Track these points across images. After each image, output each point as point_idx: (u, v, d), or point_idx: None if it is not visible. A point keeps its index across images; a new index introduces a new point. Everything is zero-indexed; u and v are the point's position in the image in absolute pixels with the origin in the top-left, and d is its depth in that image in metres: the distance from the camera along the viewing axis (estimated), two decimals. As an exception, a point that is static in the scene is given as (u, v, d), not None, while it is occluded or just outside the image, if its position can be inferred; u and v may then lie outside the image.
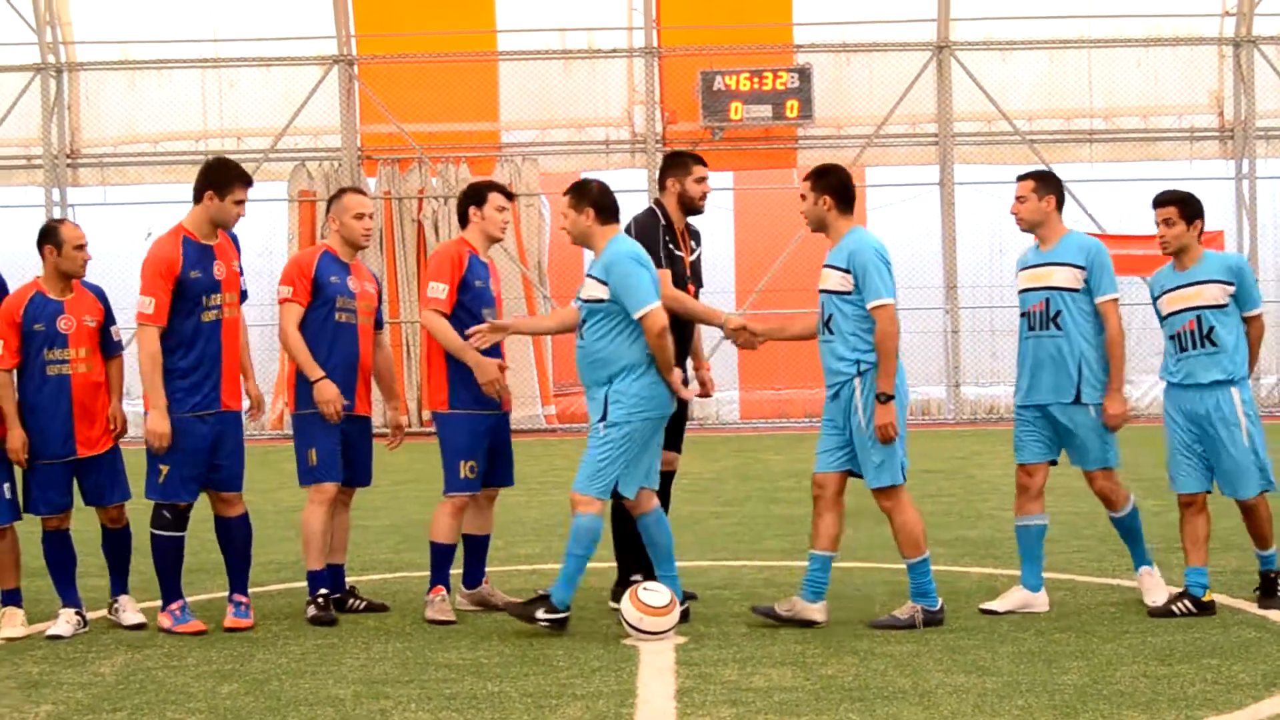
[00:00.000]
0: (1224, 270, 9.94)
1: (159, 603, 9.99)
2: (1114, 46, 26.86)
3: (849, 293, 9.65)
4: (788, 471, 19.21)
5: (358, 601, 10.52)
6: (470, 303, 10.17)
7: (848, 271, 9.66)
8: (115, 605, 10.16)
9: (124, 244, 22.06)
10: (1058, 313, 10.01)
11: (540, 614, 9.51)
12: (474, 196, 10.41)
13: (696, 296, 10.48)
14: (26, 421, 9.96)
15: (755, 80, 26.07)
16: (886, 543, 12.88)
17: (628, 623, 9.33)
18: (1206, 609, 9.70)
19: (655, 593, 9.41)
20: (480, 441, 10.18)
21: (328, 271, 10.25)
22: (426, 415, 25.33)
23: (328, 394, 10.03)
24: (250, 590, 10.19)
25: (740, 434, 25.68)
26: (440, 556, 10.14)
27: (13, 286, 10.28)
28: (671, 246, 10.34)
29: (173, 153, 27.05)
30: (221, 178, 9.98)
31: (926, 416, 26.88)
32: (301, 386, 10.21)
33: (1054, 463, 10.38)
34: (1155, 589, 10.12)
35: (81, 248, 10.09)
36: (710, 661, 8.70)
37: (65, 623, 9.93)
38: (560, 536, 13.08)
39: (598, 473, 9.51)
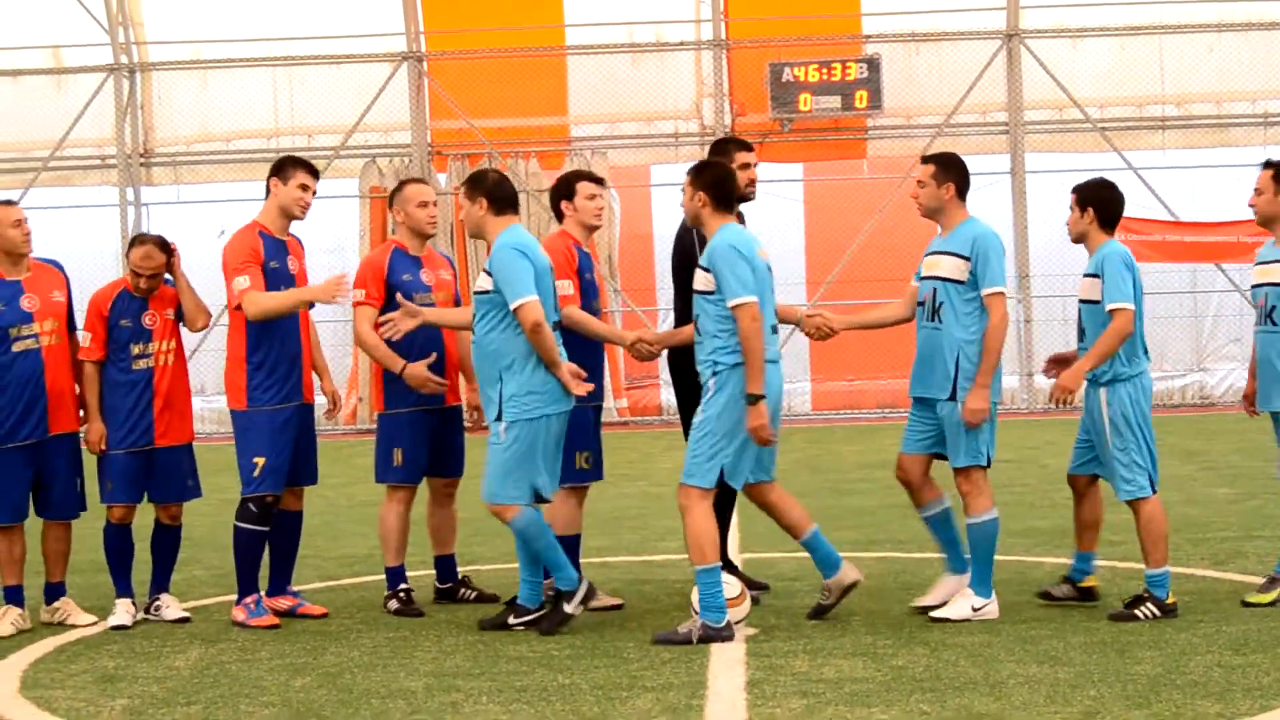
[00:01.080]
0: None
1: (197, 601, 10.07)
2: (1186, 32, 26.61)
3: (964, 281, 9.56)
4: (859, 463, 19.17)
5: (469, 592, 10.58)
6: (582, 294, 10.18)
7: (967, 259, 9.57)
8: (155, 603, 10.24)
9: (197, 241, 22.20)
10: (940, 304, 9.69)
11: (562, 612, 9.46)
12: (563, 190, 10.36)
13: None
14: (106, 413, 10.09)
15: (824, 71, 25.97)
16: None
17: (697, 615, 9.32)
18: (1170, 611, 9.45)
19: (726, 585, 9.40)
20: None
21: (400, 270, 10.29)
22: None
23: (419, 375, 10.02)
24: (325, 584, 10.25)
25: (812, 425, 25.62)
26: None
27: (92, 284, 10.43)
28: None
29: (244, 151, 27.18)
30: (284, 164, 10.19)
31: (1000, 405, 26.67)
32: (389, 387, 10.25)
33: (940, 456, 10.00)
34: (941, 593, 9.90)
35: (19, 223, 10.18)
36: (780, 653, 8.70)
37: (125, 612, 10.06)
38: (631, 529, 13.11)
39: (506, 477, 9.37)
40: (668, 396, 26.18)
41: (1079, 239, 10.00)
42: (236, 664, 8.87)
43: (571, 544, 10.12)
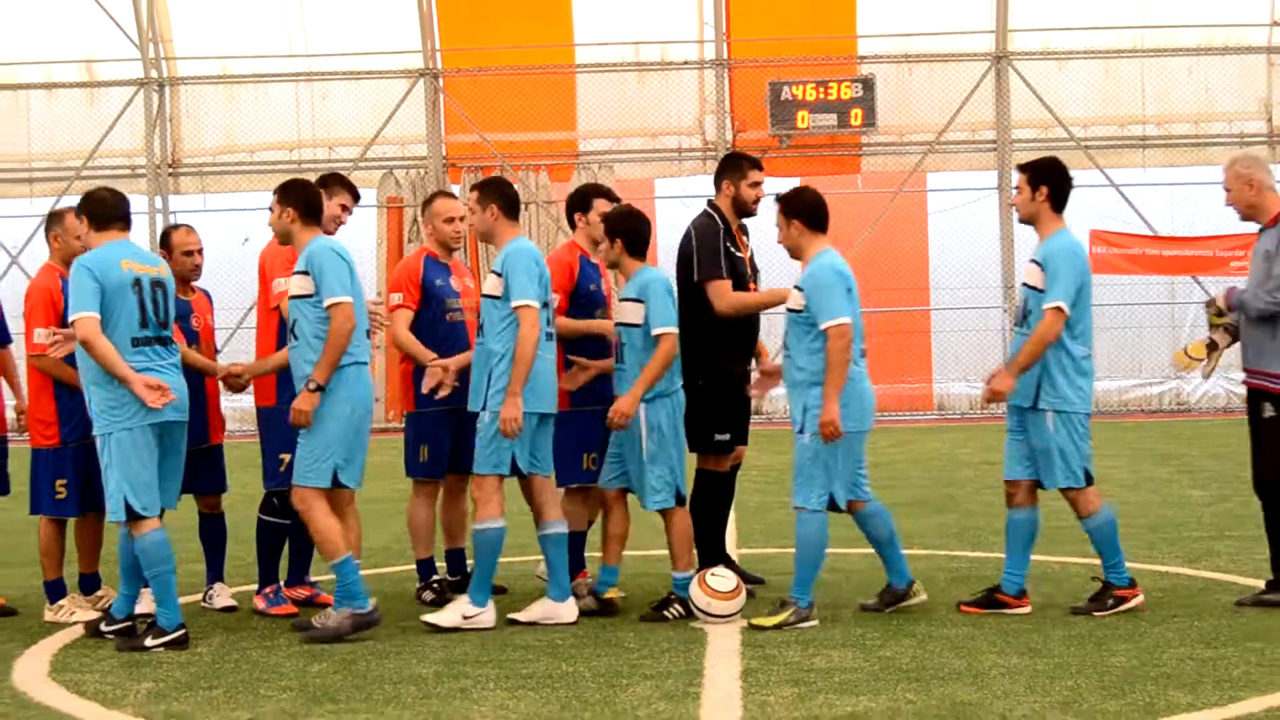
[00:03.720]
0: None
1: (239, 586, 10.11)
2: (1166, 55, 26.61)
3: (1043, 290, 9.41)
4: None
5: None
6: (584, 306, 10.18)
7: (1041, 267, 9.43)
8: (210, 591, 10.28)
9: (223, 249, 22.23)
10: (1029, 311, 9.49)
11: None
12: (579, 203, 10.37)
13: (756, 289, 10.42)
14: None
15: (821, 90, 26.00)
16: (944, 530, 12.90)
17: (696, 606, 9.35)
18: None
19: (722, 578, 9.44)
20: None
21: (433, 275, 10.34)
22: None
23: (445, 368, 10.00)
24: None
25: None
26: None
27: None
28: (731, 248, 10.28)
29: (268, 162, 27.18)
30: (331, 180, 10.33)
31: (986, 411, 26.71)
32: (418, 389, 10.27)
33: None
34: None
35: (191, 254, 10.32)
36: (774, 643, 8.72)
37: (148, 601, 10.11)
38: (640, 525, 13.10)
39: (314, 466, 9.21)
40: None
41: (1029, 220, 9.67)
42: (256, 650, 8.89)
43: (577, 540, 10.16)
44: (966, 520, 13.55)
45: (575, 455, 9.99)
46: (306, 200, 9.50)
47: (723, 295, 10.02)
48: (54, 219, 10.24)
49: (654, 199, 27.11)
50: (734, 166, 10.48)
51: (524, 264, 9.32)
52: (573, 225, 10.38)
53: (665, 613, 9.49)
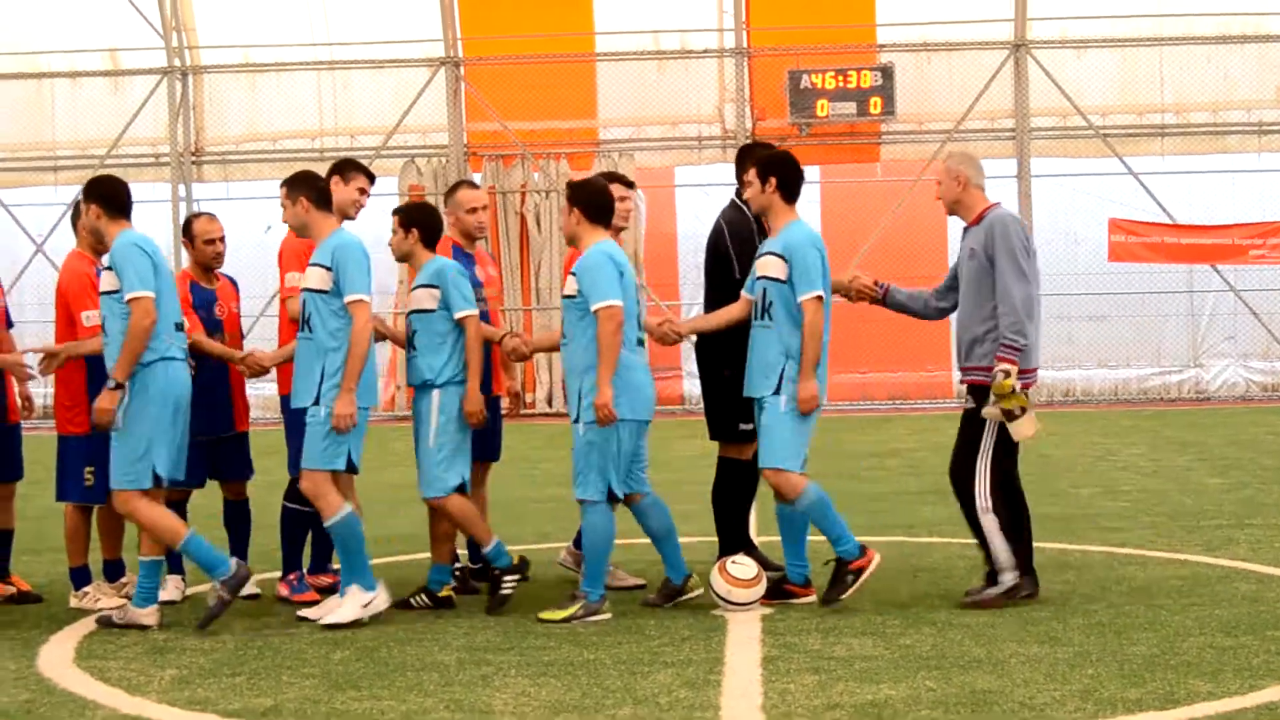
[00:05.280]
0: None
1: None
2: (1185, 44, 26.47)
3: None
4: (871, 452, 19.15)
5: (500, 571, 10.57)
6: None
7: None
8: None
9: (246, 236, 22.23)
10: (770, 303, 9.43)
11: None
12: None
13: None
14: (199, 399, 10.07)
15: (840, 78, 25.92)
16: (962, 518, 12.85)
17: (716, 594, 9.33)
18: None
19: (743, 566, 9.42)
20: None
21: (460, 265, 10.31)
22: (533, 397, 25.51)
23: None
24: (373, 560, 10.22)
25: (825, 415, 25.54)
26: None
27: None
28: (755, 238, 10.22)
29: (291, 150, 27.16)
30: (346, 165, 10.29)
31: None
32: None
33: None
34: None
35: (213, 242, 10.32)
36: (795, 631, 8.70)
37: (175, 588, 10.14)
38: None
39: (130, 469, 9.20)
40: (690, 387, 26.19)
41: (761, 211, 9.69)
42: (279, 637, 8.90)
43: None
44: (986, 508, 13.46)
45: None
46: (317, 187, 9.54)
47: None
48: (80, 208, 10.22)
49: (674, 187, 27.12)
50: (749, 154, 10.40)
51: (356, 257, 9.28)
52: None
53: (412, 600, 9.57)
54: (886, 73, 25.94)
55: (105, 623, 9.27)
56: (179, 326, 9.30)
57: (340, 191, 10.06)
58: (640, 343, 9.44)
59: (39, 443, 11.39)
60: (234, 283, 10.69)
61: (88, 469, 9.85)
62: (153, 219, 26.24)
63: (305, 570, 10.18)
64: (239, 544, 10.35)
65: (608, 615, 9.19)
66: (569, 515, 10.57)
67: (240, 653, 8.51)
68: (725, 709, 7.16)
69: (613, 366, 9.13)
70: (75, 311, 9.84)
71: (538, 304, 26.38)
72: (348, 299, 9.21)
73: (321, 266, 9.28)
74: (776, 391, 9.38)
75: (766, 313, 9.44)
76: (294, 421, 9.92)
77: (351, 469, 9.35)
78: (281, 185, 9.66)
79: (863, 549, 9.40)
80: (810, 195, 25.77)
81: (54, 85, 27.59)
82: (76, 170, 26.94)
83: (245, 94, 27.54)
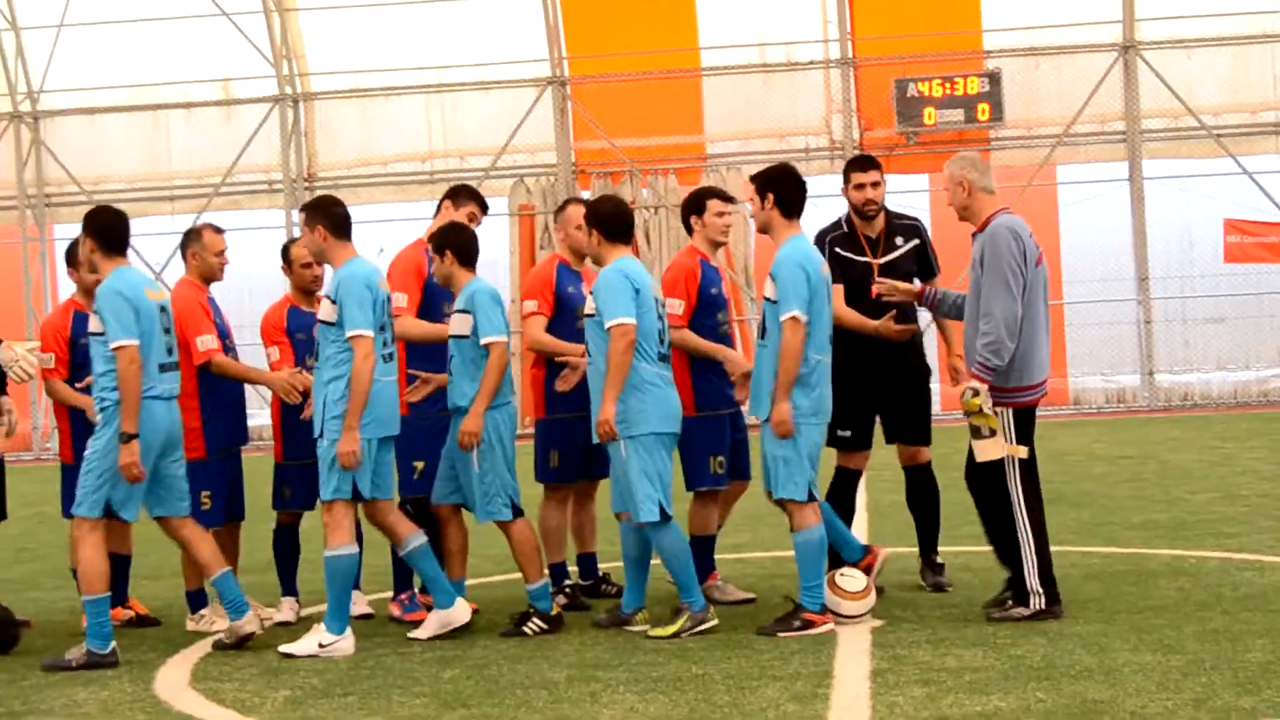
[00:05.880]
0: None
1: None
2: (1297, 40, 26.14)
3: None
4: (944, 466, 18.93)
5: (610, 588, 10.60)
6: (707, 308, 10.09)
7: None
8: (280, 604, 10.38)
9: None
10: (767, 324, 9.31)
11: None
12: (694, 206, 10.26)
13: (918, 287, 10.12)
14: (284, 426, 10.18)
15: (947, 86, 25.78)
16: (1079, 526, 12.71)
17: (825, 607, 9.28)
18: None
19: (852, 578, 9.36)
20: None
21: (565, 282, 10.36)
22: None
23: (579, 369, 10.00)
24: (475, 580, 10.30)
25: (940, 425, 25.39)
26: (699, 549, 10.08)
27: (264, 302, 10.58)
28: (843, 251, 10.21)
29: (402, 174, 27.48)
30: (461, 191, 10.40)
31: (1122, 404, 26.42)
32: (549, 394, 10.29)
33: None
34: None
35: (309, 265, 10.33)
36: (904, 643, 8.64)
37: (289, 610, 10.22)
38: (768, 525, 13.07)
39: (88, 497, 9.13)
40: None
41: (763, 229, 9.51)
42: (391, 656, 8.96)
43: (706, 544, 10.13)
44: (1101, 516, 13.33)
45: (703, 459, 9.96)
46: (333, 214, 9.44)
47: (835, 298, 9.79)
48: (191, 236, 10.36)
49: (783, 200, 27.05)
50: (844, 172, 10.51)
51: (357, 291, 9.17)
52: (689, 230, 10.32)
53: (524, 628, 9.39)
54: (994, 79, 25.78)
55: (220, 646, 9.38)
56: (162, 368, 9.26)
57: (450, 218, 10.13)
58: (664, 358, 9.35)
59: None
60: None
61: (205, 493, 9.95)
62: (268, 245, 26.56)
63: (417, 589, 10.23)
64: (286, 571, 10.43)
65: (714, 621, 9.17)
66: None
67: (352, 673, 8.58)
68: (833, 722, 7.13)
69: (618, 385, 9.07)
70: (190, 338, 9.95)
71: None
72: (347, 334, 9.14)
73: (328, 299, 9.29)
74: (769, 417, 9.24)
75: (764, 334, 9.33)
76: (403, 442, 9.95)
77: (358, 497, 9.29)
78: (300, 210, 9.69)
79: (824, 608, 9.18)
80: (920, 204, 25.63)
81: (168, 116, 28.05)
82: (192, 199, 27.42)
83: (356, 119, 27.85)
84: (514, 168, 27.32)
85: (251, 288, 24.87)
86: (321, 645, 9.09)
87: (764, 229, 9.55)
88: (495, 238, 26.59)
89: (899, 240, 10.45)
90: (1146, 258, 26.01)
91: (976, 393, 9.02)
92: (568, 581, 10.38)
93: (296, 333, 10.29)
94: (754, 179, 9.52)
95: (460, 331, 9.48)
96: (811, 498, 9.24)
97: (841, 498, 10.30)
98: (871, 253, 10.34)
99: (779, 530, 12.59)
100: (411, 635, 9.42)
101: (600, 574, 10.73)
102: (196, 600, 10.20)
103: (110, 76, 27.77)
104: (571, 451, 10.30)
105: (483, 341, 9.40)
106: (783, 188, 9.41)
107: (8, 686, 8.67)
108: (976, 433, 9.12)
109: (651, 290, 9.32)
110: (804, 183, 9.51)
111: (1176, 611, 9.13)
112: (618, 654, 8.72)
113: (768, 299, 9.29)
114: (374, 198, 27.34)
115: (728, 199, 10.40)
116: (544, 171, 27.28)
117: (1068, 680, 7.59)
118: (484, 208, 10.42)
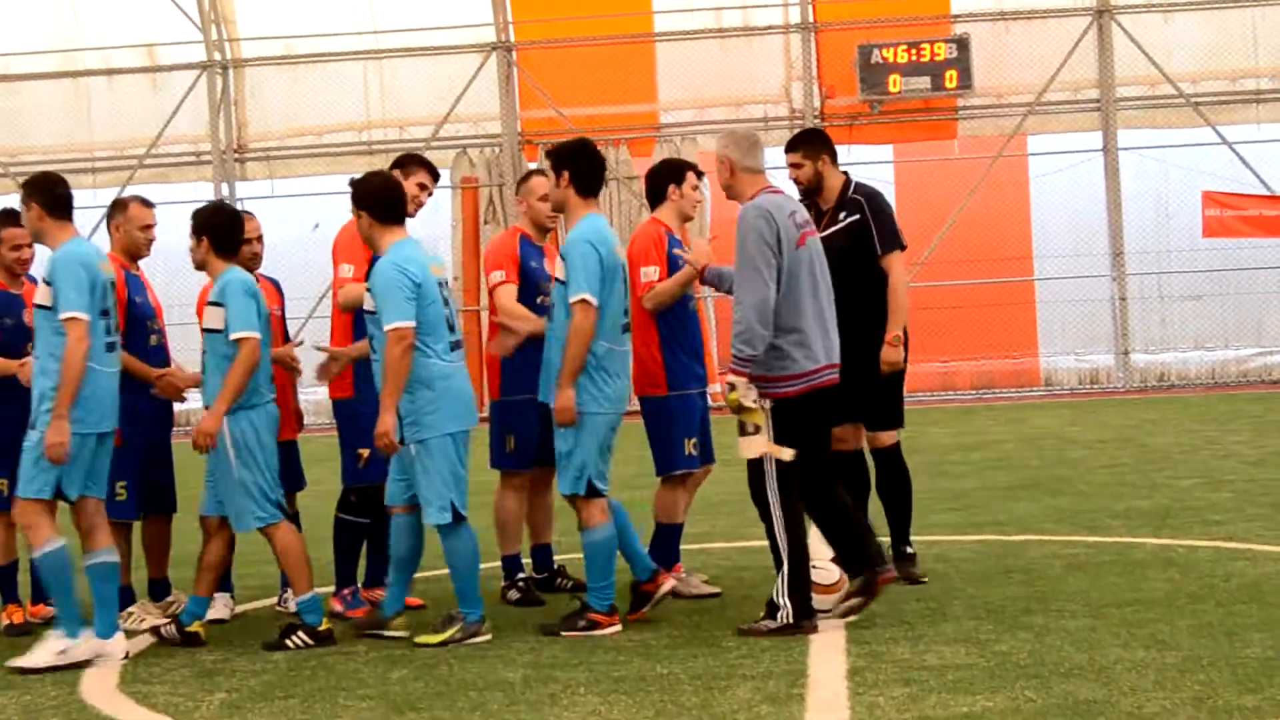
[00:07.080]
0: None
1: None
2: (1279, 4, 26.13)
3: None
4: (955, 445, 18.93)
5: (565, 581, 10.48)
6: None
7: None
8: (285, 596, 10.19)
9: (293, 235, 22.23)
10: (553, 305, 9.36)
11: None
12: (675, 174, 10.16)
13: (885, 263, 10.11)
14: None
15: (913, 52, 25.67)
16: (1059, 514, 12.65)
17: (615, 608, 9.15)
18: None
19: (825, 571, 9.24)
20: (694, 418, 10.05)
21: (529, 257, 10.25)
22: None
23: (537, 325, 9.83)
24: (421, 574, 10.13)
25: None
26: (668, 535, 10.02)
27: (191, 278, 10.45)
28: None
29: (336, 145, 27.20)
30: (408, 160, 10.20)
31: (1096, 385, 26.42)
32: (505, 374, 10.16)
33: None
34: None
35: (249, 241, 10.13)
36: (881, 640, 8.52)
37: (223, 606, 10.05)
38: (727, 514, 12.97)
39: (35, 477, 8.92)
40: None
41: (558, 208, 9.53)
42: (334, 656, 8.80)
43: (673, 534, 10.01)
44: (1080, 503, 13.26)
45: (677, 440, 9.85)
46: (52, 194, 9.20)
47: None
48: (117, 208, 10.16)
49: (740, 171, 26.94)
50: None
51: (73, 272, 8.89)
52: (662, 198, 10.17)
53: (288, 641, 9.08)
54: (962, 44, 25.69)
55: (156, 633, 9.24)
56: (109, 347, 9.08)
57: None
58: (452, 346, 9.11)
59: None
60: (276, 284, 10.59)
61: (119, 484, 9.74)
62: (195, 220, 26.35)
63: (360, 584, 10.07)
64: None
65: (487, 637, 9.03)
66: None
67: (293, 674, 8.42)
68: (810, 726, 7.01)
69: (397, 392, 8.84)
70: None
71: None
72: (61, 316, 8.83)
73: (45, 281, 9.00)
74: None
75: (553, 316, 9.25)
76: (348, 428, 9.84)
77: (62, 498, 8.98)
78: (20, 188, 9.48)
79: (613, 609, 9.12)
80: (884, 175, 25.59)
81: (90, 84, 27.71)
82: (115, 172, 27.06)
83: (288, 87, 27.54)
84: (457, 138, 27.10)
85: (180, 262, 24.55)
86: (59, 653, 8.78)
87: (559, 208, 9.48)
88: (437, 211, 26.40)
89: (842, 215, 10.30)
90: (1121, 232, 25.99)
91: (733, 386, 8.84)
92: (521, 575, 10.25)
93: (4, 318, 10.02)
94: (549, 154, 9.40)
95: (213, 325, 9.21)
96: (599, 493, 9.12)
97: (851, 481, 10.08)
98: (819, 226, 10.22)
99: (738, 520, 12.52)
100: (12, 663, 8.84)
101: (556, 566, 10.59)
102: (123, 597, 9.99)
103: (28, 41, 27.35)
104: (528, 435, 10.16)
105: (232, 336, 9.12)
106: (580, 164, 9.29)
107: (-79, 691, 8.48)
108: (742, 429, 8.94)
109: (434, 277, 9.07)
110: (603, 160, 9.43)
111: (1168, 605, 9.04)
112: (577, 653, 8.59)
113: (558, 280, 9.16)
114: (308, 170, 27.08)
115: (699, 174, 10.31)
116: (488, 142, 27.08)
117: (1057, 678, 7.48)
118: (435, 176, 10.25)
